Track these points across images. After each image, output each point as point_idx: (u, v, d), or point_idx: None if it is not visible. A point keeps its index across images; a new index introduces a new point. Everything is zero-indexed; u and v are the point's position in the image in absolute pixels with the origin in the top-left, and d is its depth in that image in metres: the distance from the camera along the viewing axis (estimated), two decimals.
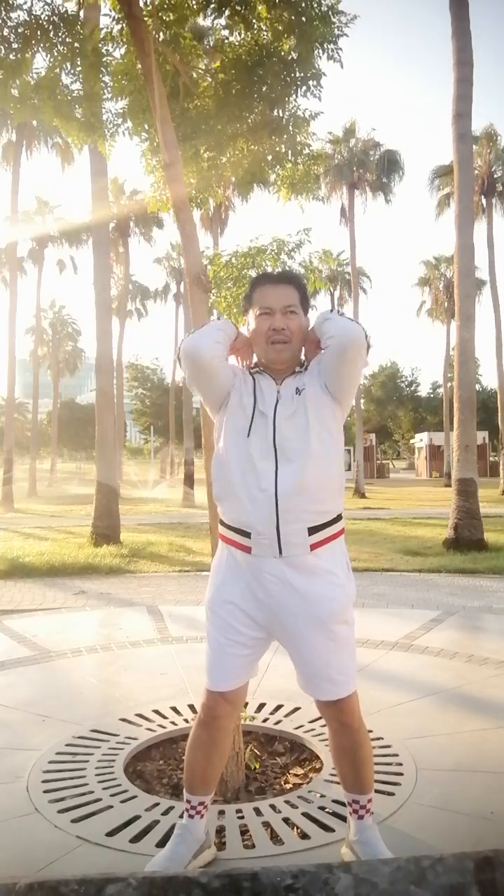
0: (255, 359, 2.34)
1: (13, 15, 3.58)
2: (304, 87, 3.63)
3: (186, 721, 3.49)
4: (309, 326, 2.31)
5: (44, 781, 2.96)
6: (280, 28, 3.50)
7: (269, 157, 3.86)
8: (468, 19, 11.49)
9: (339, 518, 2.22)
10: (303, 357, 2.31)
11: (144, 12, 3.44)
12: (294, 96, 3.68)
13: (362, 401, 40.96)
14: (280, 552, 2.12)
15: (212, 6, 3.56)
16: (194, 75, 3.79)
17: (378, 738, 3.22)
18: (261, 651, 2.30)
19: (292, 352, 2.24)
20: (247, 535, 2.15)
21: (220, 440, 2.25)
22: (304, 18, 3.43)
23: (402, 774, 2.96)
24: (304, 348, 2.30)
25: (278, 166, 3.93)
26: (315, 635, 2.16)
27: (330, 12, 3.44)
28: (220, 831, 2.55)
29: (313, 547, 2.13)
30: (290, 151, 3.84)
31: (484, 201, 29.00)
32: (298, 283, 2.31)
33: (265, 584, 2.15)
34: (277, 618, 2.18)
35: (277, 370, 2.25)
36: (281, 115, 3.74)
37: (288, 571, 2.13)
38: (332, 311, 2.24)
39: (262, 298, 2.24)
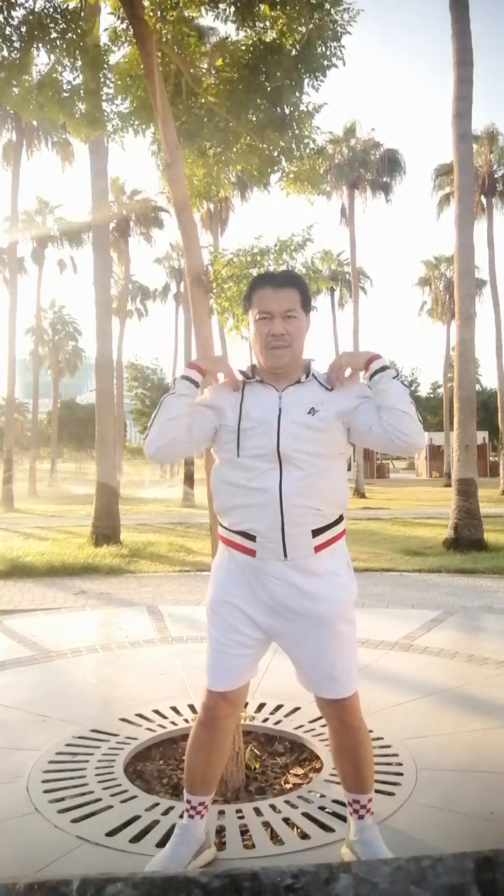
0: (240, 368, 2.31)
1: (14, 13, 3.58)
2: (306, 82, 3.62)
3: (186, 721, 3.49)
4: (309, 325, 2.27)
5: (44, 781, 2.96)
6: (284, 24, 3.48)
7: (276, 153, 3.86)
8: (468, 20, 11.49)
9: (341, 519, 2.23)
10: (311, 369, 2.24)
11: (147, 10, 3.44)
12: (298, 92, 3.67)
13: None
14: (285, 555, 2.12)
15: (215, 3, 3.56)
16: (197, 74, 3.78)
17: (378, 738, 3.22)
18: (261, 651, 2.30)
19: (292, 356, 2.19)
20: (251, 538, 2.15)
21: (220, 454, 2.25)
22: (306, 15, 3.43)
23: (402, 774, 2.96)
24: (339, 370, 2.21)
25: (283, 161, 3.92)
26: (319, 635, 2.17)
27: (335, 4, 3.43)
28: (220, 831, 2.55)
29: (317, 549, 2.14)
30: (295, 146, 3.83)
31: (484, 201, 28.99)
32: (300, 284, 2.24)
33: (268, 587, 2.15)
34: (281, 619, 2.18)
35: (278, 375, 2.21)
36: (285, 111, 3.73)
37: (291, 573, 2.14)
38: (398, 377, 2.15)
39: (261, 301, 2.19)
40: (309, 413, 2.13)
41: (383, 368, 2.16)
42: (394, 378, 2.14)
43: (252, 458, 2.13)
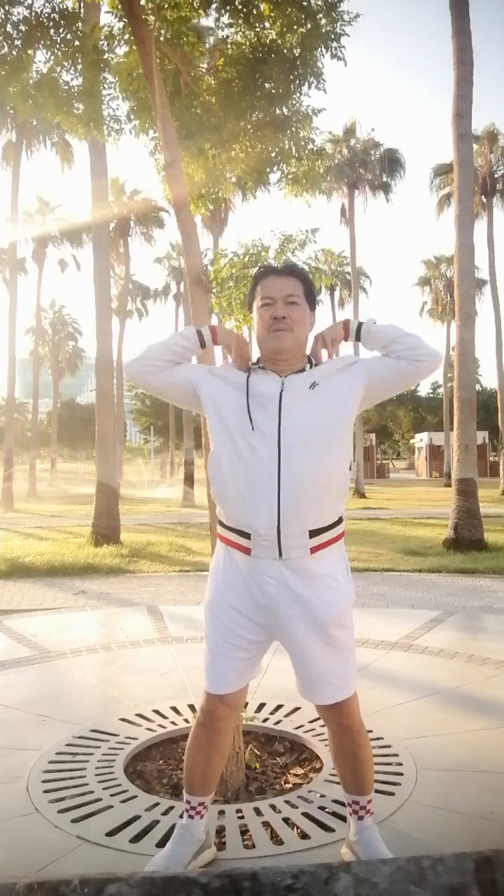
0: (254, 356, 2.31)
1: (15, 11, 3.59)
2: (306, 84, 3.63)
3: (186, 721, 3.49)
4: (314, 322, 2.28)
5: (44, 781, 2.96)
6: (283, 25, 3.49)
7: (274, 154, 3.86)
8: (468, 19, 11.50)
9: (340, 521, 2.20)
10: (308, 352, 2.26)
11: (146, 10, 3.44)
12: (297, 94, 3.68)
13: None
14: (280, 554, 2.10)
15: (214, 5, 3.56)
16: (196, 74, 3.79)
17: (378, 738, 3.22)
18: (260, 654, 2.28)
19: (295, 340, 2.18)
20: (246, 536, 2.13)
21: (215, 438, 2.22)
22: (306, 16, 3.44)
23: (402, 774, 2.96)
24: (321, 348, 2.27)
25: (283, 162, 3.93)
26: (313, 639, 2.14)
27: (333, 8, 3.44)
28: (220, 831, 2.55)
29: (314, 550, 2.11)
30: (294, 147, 3.84)
31: (484, 200, 28.99)
32: (302, 276, 2.26)
33: (264, 587, 2.13)
34: (276, 619, 2.16)
35: (281, 362, 2.19)
36: (284, 112, 3.74)
37: (287, 574, 2.11)
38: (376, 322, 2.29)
39: (264, 289, 2.22)
40: (310, 388, 2.15)
41: (360, 324, 2.27)
42: (374, 324, 2.27)
43: (254, 438, 2.11)
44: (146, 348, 2.30)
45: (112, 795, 2.82)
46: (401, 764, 3.05)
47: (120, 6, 3.52)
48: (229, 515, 2.19)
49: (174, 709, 3.72)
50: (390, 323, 2.25)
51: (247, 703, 3.52)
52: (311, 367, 2.22)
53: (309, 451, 2.08)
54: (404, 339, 2.18)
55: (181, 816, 2.37)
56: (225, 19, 3.64)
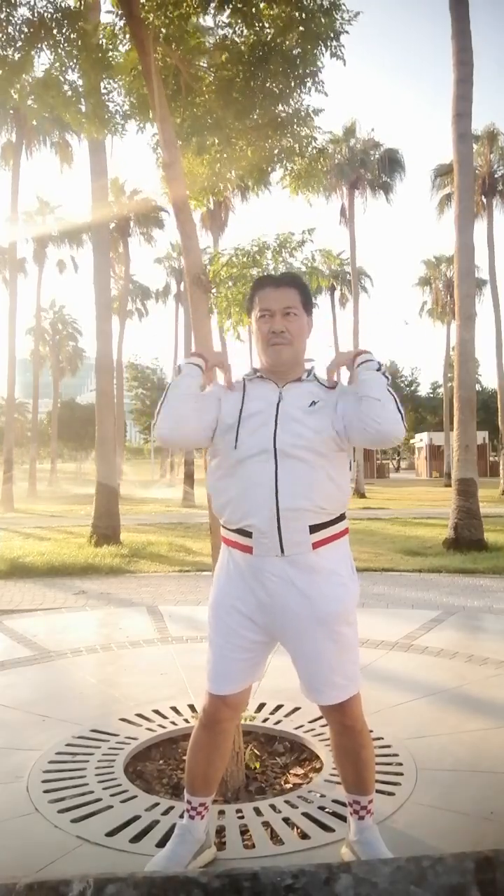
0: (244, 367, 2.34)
1: (17, 12, 3.59)
2: (307, 84, 3.63)
3: (186, 721, 3.49)
4: (312, 327, 2.30)
5: (44, 781, 2.96)
6: (281, 24, 3.49)
7: (276, 152, 3.86)
8: (468, 20, 11.50)
9: (342, 518, 2.21)
10: (307, 367, 2.27)
11: (146, 8, 3.44)
12: (298, 92, 3.67)
13: None
14: (282, 551, 2.11)
15: (213, 4, 3.56)
16: (197, 73, 3.78)
17: (378, 738, 3.22)
18: (263, 656, 2.28)
19: (293, 353, 2.22)
20: (248, 534, 2.14)
21: (216, 455, 2.24)
22: (304, 15, 3.44)
23: (402, 774, 2.96)
24: (331, 375, 2.24)
25: (286, 160, 3.92)
26: (317, 636, 2.14)
27: (332, 7, 3.44)
28: (220, 831, 2.55)
29: (315, 546, 2.12)
30: (297, 146, 3.84)
31: (484, 201, 28.98)
32: (299, 284, 2.29)
33: (266, 585, 2.14)
34: (279, 620, 2.16)
35: (280, 372, 2.23)
36: (287, 110, 3.73)
37: (290, 570, 2.12)
38: (381, 369, 2.14)
39: (262, 300, 2.24)
40: (310, 405, 2.15)
41: (367, 361, 2.18)
42: (375, 370, 2.15)
43: (248, 450, 2.13)
44: (169, 408, 2.16)
45: (112, 795, 2.82)
46: (401, 764, 3.06)
47: (119, 6, 3.52)
48: (230, 519, 2.20)
49: (174, 709, 3.72)
50: (381, 379, 2.13)
51: (247, 703, 3.52)
52: (307, 376, 2.24)
53: (304, 462, 2.10)
54: (371, 402, 2.06)
55: (182, 816, 2.37)
56: (224, 18, 3.63)
